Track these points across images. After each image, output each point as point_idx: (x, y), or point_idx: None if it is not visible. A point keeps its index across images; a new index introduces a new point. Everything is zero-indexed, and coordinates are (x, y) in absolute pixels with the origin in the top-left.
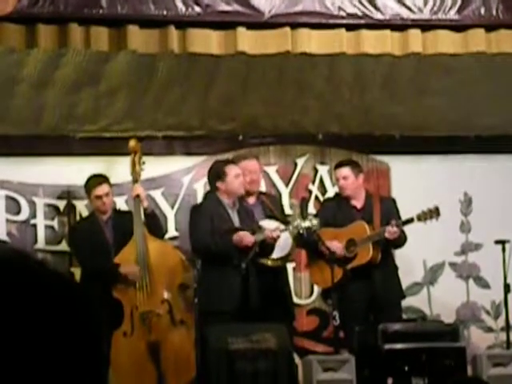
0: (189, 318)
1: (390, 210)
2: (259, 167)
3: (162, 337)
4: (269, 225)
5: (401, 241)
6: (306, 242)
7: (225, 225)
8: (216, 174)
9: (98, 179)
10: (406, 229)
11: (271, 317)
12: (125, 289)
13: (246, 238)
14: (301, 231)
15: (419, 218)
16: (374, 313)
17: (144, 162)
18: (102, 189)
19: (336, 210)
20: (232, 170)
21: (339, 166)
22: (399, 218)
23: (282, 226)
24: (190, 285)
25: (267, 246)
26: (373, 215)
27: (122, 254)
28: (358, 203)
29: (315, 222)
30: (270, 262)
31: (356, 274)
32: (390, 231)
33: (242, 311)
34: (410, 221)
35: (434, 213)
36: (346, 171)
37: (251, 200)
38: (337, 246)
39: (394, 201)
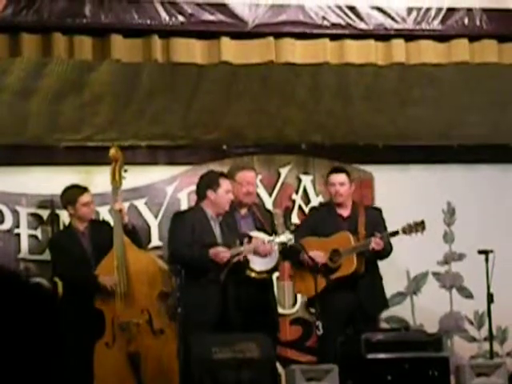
0: (169, 327)
1: (375, 219)
2: (256, 179)
3: (141, 347)
4: (257, 235)
5: (386, 252)
6: (289, 252)
7: (206, 236)
8: (209, 183)
9: (80, 188)
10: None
11: (256, 328)
12: (105, 299)
13: (221, 253)
14: (275, 246)
15: (404, 231)
16: (357, 323)
17: (126, 170)
18: (88, 196)
19: (323, 218)
20: (225, 184)
21: (335, 171)
22: (385, 227)
23: (262, 239)
24: (169, 293)
25: (242, 261)
26: (358, 225)
27: (102, 264)
28: (345, 212)
29: (290, 236)
30: (255, 275)
31: (340, 285)
32: (375, 244)
33: (223, 323)
34: (394, 233)
35: (419, 226)
36: (343, 177)
37: (243, 211)
38: (319, 255)
39: (380, 211)
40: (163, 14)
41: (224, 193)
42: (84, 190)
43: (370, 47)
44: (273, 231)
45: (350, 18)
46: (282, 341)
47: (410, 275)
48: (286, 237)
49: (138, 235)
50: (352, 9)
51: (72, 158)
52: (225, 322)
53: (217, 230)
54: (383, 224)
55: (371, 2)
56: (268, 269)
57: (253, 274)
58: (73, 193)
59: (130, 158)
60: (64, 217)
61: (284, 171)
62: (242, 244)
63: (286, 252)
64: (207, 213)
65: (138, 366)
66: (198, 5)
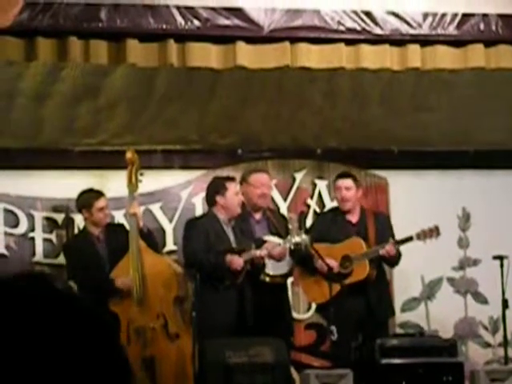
0: (184, 331)
1: (384, 226)
2: (270, 182)
3: (156, 351)
4: (270, 240)
5: (397, 259)
6: (301, 257)
7: (220, 241)
8: (216, 188)
9: (96, 193)
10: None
11: (269, 332)
12: (121, 302)
13: (234, 261)
14: (291, 247)
15: (419, 237)
16: (367, 329)
17: (142, 174)
18: (103, 201)
19: (331, 224)
20: (232, 187)
21: (342, 176)
22: (393, 234)
23: (277, 242)
24: (185, 298)
25: (257, 264)
26: (368, 231)
27: (117, 267)
28: (354, 218)
29: (305, 237)
30: (269, 279)
31: (352, 290)
32: (388, 250)
33: (238, 327)
34: (409, 239)
35: (433, 232)
36: (349, 182)
37: (257, 215)
38: (332, 262)
39: (388, 217)
40: (179, 19)
41: (233, 195)
42: (100, 194)
43: (385, 52)
44: (287, 236)
45: (365, 23)
46: (296, 345)
47: (425, 280)
48: (300, 237)
49: (153, 239)
50: (367, 14)
51: (87, 162)
52: (241, 326)
53: (230, 235)
54: (391, 230)
55: (387, 8)
56: (282, 273)
57: (267, 279)
58: (88, 197)
59: (145, 162)
60: (79, 221)
61: (299, 176)
62: (257, 248)
63: (299, 257)
64: (220, 218)
65: (153, 370)
66: (214, 9)
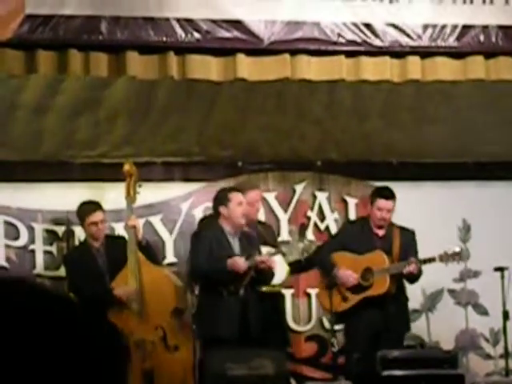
0: (183, 343)
1: (409, 242)
2: (260, 196)
3: (156, 364)
4: (263, 250)
5: (418, 276)
6: (321, 265)
7: (224, 252)
8: (220, 199)
9: (92, 206)
10: None
11: (268, 343)
12: (120, 314)
13: (237, 263)
14: (283, 255)
15: (441, 259)
16: (381, 344)
17: (140, 185)
18: (97, 216)
19: (357, 234)
20: (236, 197)
21: (384, 196)
22: (416, 251)
23: (273, 250)
24: (184, 309)
25: (263, 271)
26: (392, 246)
27: (116, 279)
28: (381, 231)
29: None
30: (265, 289)
31: (369, 303)
32: (411, 270)
33: (241, 338)
34: (431, 260)
35: (456, 255)
36: (391, 204)
37: (247, 229)
38: (351, 275)
39: (413, 233)
40: (179, 31)
41: (235, 206)
42: (95, 208)
43: (385, 64)
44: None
45: (365, 34)
46: (296, 357)
47: (426, 292)
48: (292, 247)
49: (152, 251)
50: (367, 26)
51: (87, 174)
52: (242, 336)
53: (236, 246)
54: (415, 247)
55: (387, 19)
56: (278, 283)
57: (264, 288)
58: (83, 210)
59: (146, 174)
60: (79, 233)
61: (299, 188)
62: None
63: (318, 264)
64: (225, 229)
65: (153, 382)
66: (214, 22)
